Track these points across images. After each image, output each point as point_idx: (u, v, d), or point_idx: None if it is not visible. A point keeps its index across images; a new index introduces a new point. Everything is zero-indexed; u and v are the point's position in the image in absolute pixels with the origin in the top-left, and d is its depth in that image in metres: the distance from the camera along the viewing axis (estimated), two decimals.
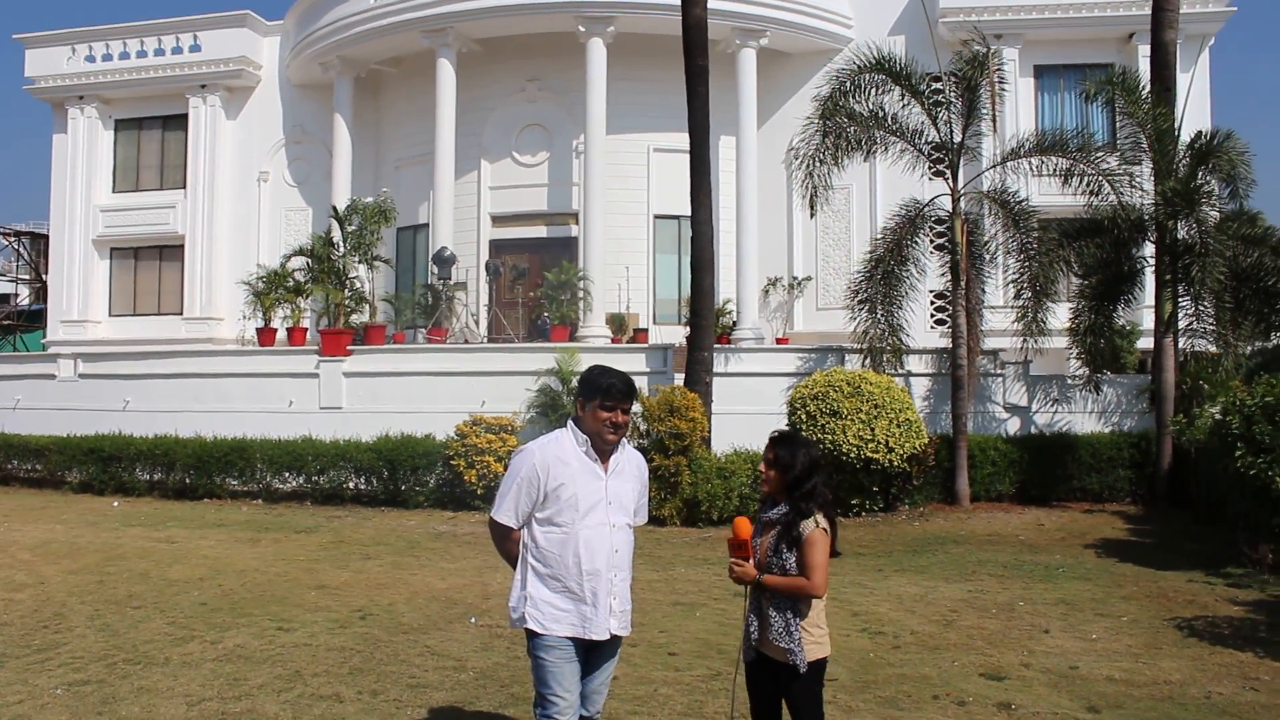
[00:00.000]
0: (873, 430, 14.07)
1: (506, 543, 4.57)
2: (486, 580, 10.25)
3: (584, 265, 20.50)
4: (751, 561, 4.36)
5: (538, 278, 21.13)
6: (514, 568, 4.60)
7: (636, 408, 14.54)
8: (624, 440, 4.60)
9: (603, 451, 4.50)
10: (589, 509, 4.44)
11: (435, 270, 20.71)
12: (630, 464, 4.63)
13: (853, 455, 13.96)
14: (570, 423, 4.53)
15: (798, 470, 4.35)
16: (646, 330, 20.72)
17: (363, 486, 15.87)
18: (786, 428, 4.59)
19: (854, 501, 14.40)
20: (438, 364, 17.69)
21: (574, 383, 15.88)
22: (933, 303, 21.06)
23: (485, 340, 20.47)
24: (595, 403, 4.45)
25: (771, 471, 4.40)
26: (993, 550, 12.08)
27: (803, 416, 14.39)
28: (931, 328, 20.91)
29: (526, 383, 17.15)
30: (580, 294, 20.24)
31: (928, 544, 12.55)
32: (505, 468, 4.79)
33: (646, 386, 16.31)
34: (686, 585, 10.01)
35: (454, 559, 11.40)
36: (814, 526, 4.31)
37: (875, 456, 13.99)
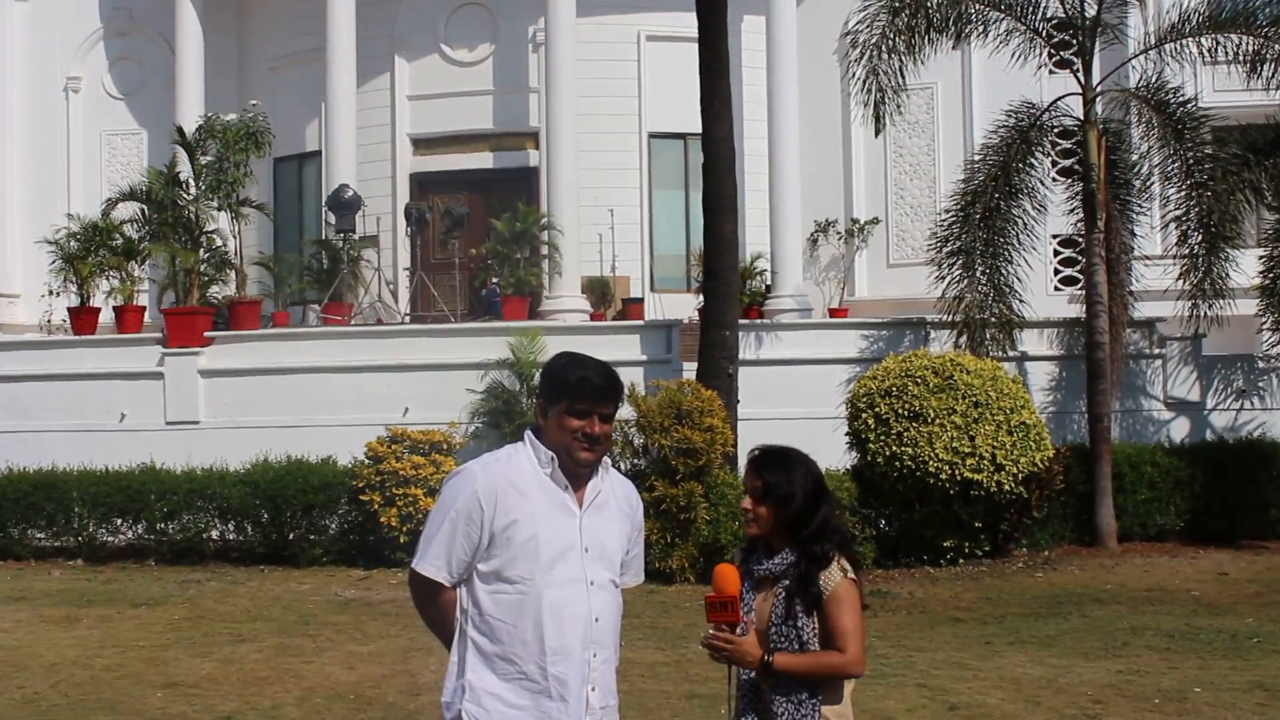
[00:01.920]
0: (972, 440, 14.12)
1: (434, 607, 4.54)
2: (416, 668, 10.26)
3: (549, 208, 20.54)
4: (749, 631, 4.36)
5: (482, 228, 21.20)
6: (446, 645, 4.53)
7: (627, 413, 14.55)
8: (606, 462, 4.57)
9: (576, 476, 4.46)
10: (556, 559, 4.40)
11: (332, 220, 20.76)
12: (617, 495, 4.59)
13: (944, 477, 14.01)
14: (529, 434, 4.49)
15: (799, 501, 4.36)
16: (641, 301, 20.80)
17: (232, 536, 15.93)
18: (771, 445, 4.57)
19: (946, 544, 14.49)
20: (338, 355, 17.73)
21: (537, 378, 15.81)
22: (1057, 254, 21.13)
23: (407, 319, 20.49)
24: (562, 406, 4.40)
25: (761, 507, 4.41)
26: (1153, 612, 12.10)
27: (869, 421, 14.45)
28: (1056, 289, 21.02)
29: (468, 380, 17.16)
30: (544, 250, 20.28)
31: (1057, 604, 12.53)
32: (436, 499, 4.70)
33: (642, 382, 16.33)
34: (707, 670, 9.85)
35: (367, 638, 11.44)
36: (840, 577, 4.32)
37: (977, 478, 14.05)
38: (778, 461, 4.46)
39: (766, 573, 4.43)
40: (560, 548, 4.38)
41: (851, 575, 4.33)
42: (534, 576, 4.35)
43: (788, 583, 4.36)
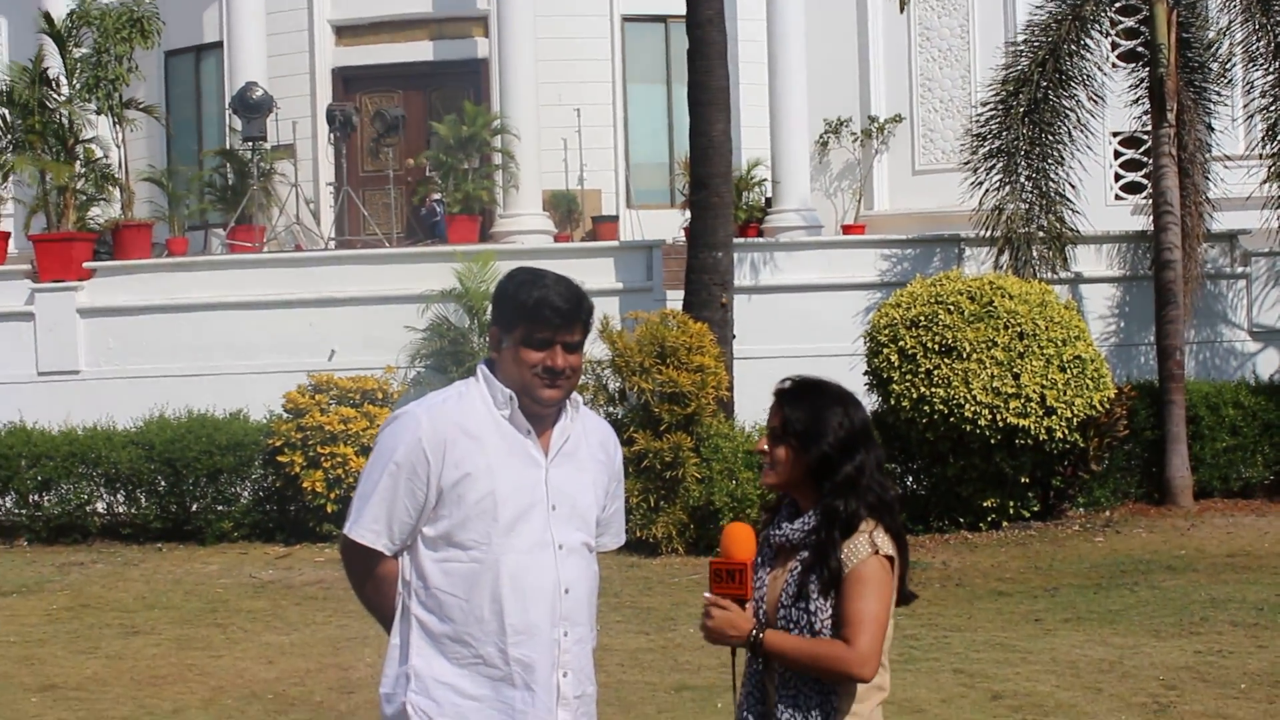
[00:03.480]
0: (1017, 378, 14.16)
1: (372, 581, 4.56)
2: (348, 661, 10.29)
3: (502, 108, 20.56)
4: (749, 606, 4.32)
5: (421, 133, 21.13)
6: (386, 627, 4.54)
7: (600, 350, 14.62)
8: (577, 399, 4.58)
9: (540, 418, 4.48)
10: (517, 518, 4.43)
11: (238, 125, 20.67)
12: (590, 440, 4.62)
13: (983, 424, 14.07)
14: (482, 369, 4.50)
15: (829, 442, 4.28)
16: (615, 219, 20.86)
17: (121, 509, 15.94)
18: (805, 375, 4.49)
19: (986, 503, 14.58)
20: (249, 289, 17.72)
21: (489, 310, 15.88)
22: (1118, 154, 21.14)
23: (332, 245, 20.51)
24: (517, 334, 4.41)
25: (780, 448, 4.34)
26: (1236, 581, 12.16)
27: (892, 358, 14.49)
28: (1117, 198, 21.05)
29: (407, 316, 17.22)
30: (497, 159, 20.25)
31: (1120, 573, 12.64)
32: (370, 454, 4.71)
33: (618, 314, 16.36)
34: (699, 657, 9.97)
35: (288, 627, 11.48)
36: (867, 551, 4.21)
37: (1023, 424, 14.10)
38: (806, 394, 4.40)
39: (784, 539, 4.36)
40: (522, 505, 4.41)
41: (886, 552, 4.22)
42: (491, 540, 4.39)
43: (806, 554, 4.29)
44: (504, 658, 4.39)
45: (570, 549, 4.46)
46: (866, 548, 4.20)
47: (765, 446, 4.37)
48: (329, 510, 14.99)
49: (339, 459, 15.01)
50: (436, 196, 20.11)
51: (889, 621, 4.21)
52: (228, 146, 21.31)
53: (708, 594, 4.37)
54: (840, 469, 4.25)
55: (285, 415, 15.48)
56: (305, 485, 15.09)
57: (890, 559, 4.21)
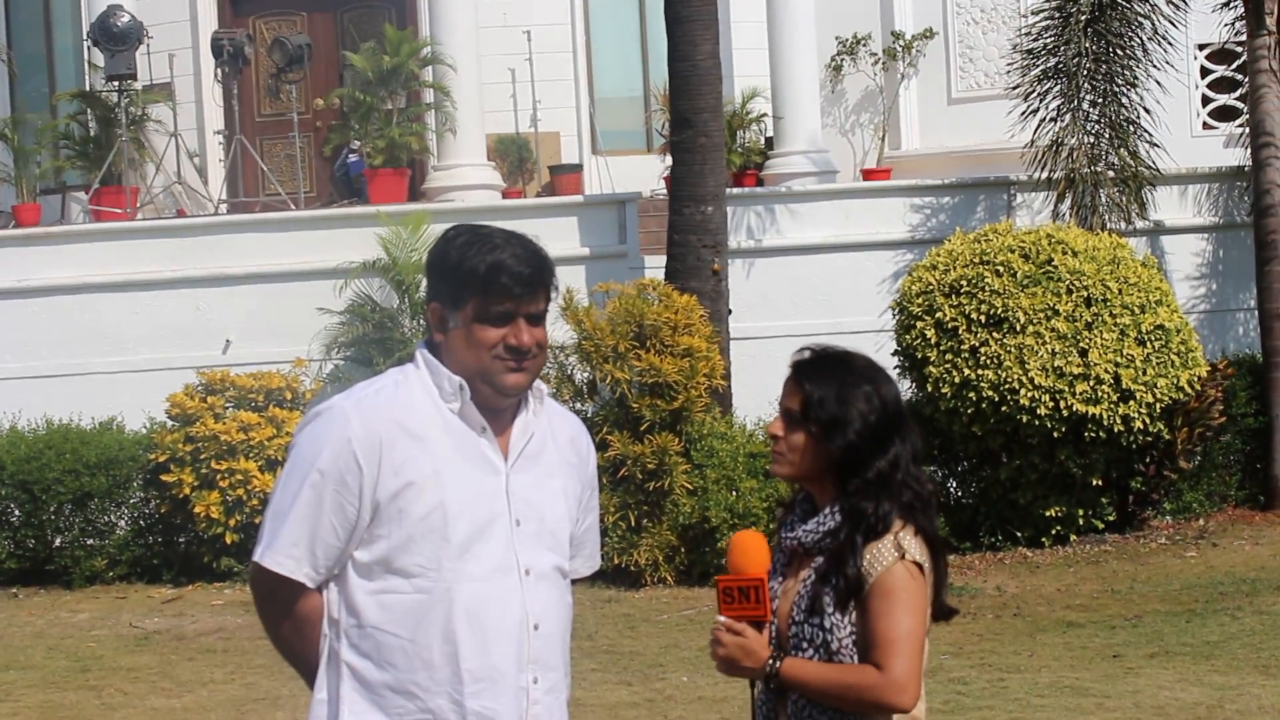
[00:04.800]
0: (1084, 355, 14.19)
1: (290, 622, 4.56)
2: None
3: (432, 33, 20.53)
4: (766, 629, 4.41)
5: (333, 66, 21.20)
6: (309, 681, 4.56)
7: (563, 332, 14.61)
8: (541, 388, 4.62)
9: (497, 411, 4.51)
10: (473, 538, 4.44)
11: (100, 61, 20.56)
12: (558, 439, 4.65)
13: (1043, 412, 14.08)
14: (422, 353, 4.50)
15: (857, 430, 4.38)
16: (578, 168, 20.94)
17: None
18: (827, 346, 4.55)
19: (1049, 512, 14.60)
20: (120, 265, 17.72)
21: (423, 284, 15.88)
22: (1205, 73, 21.15)
23: (224, 208, 20.48)
24: (468, 310, 4.42)
25: (796, 435, 4.42)
26: None
27: (928, 333, 14.53)
28: (1205, 127, 21.07)
29: (320, 295, 17.23)
30: (429, 97, 20.28)
31: (1219, 595, 12.65)
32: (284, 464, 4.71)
33: (585, 286, 16.47)
34: (694, 711, 10.02)
35: (180, 687, 11.46)
36: (892, 557, 4.30)
37: (1093, 412, 14.12)
38: (829, 369, 4.45)
39: (795, 542, 4.44)
40: (479, 521, 4.42)
41: (914, 558, 4.30)
42: (441, 566, 4.40)
43: (821, 559, 4.36)
44: (459, 712, 4.38)
45: (539, 574, 4.47)
46: (891, 553, 4.27)
47: (778, 431, 4.39)
48: (228, 541, 14.93)
49: (239, 477, 14.94)
50: (354, 145, 20.07)
51: (925, 639, 4.27)
52: (88, 88, 21.20)
53: (720, 617, 4.40)
54: (870, 464, 4.32)
55: (170, 423, 15.39)
56: (197, 510, 14.97)
57: (921, 565, 4.29)
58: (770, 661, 4.32)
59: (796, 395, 4.39)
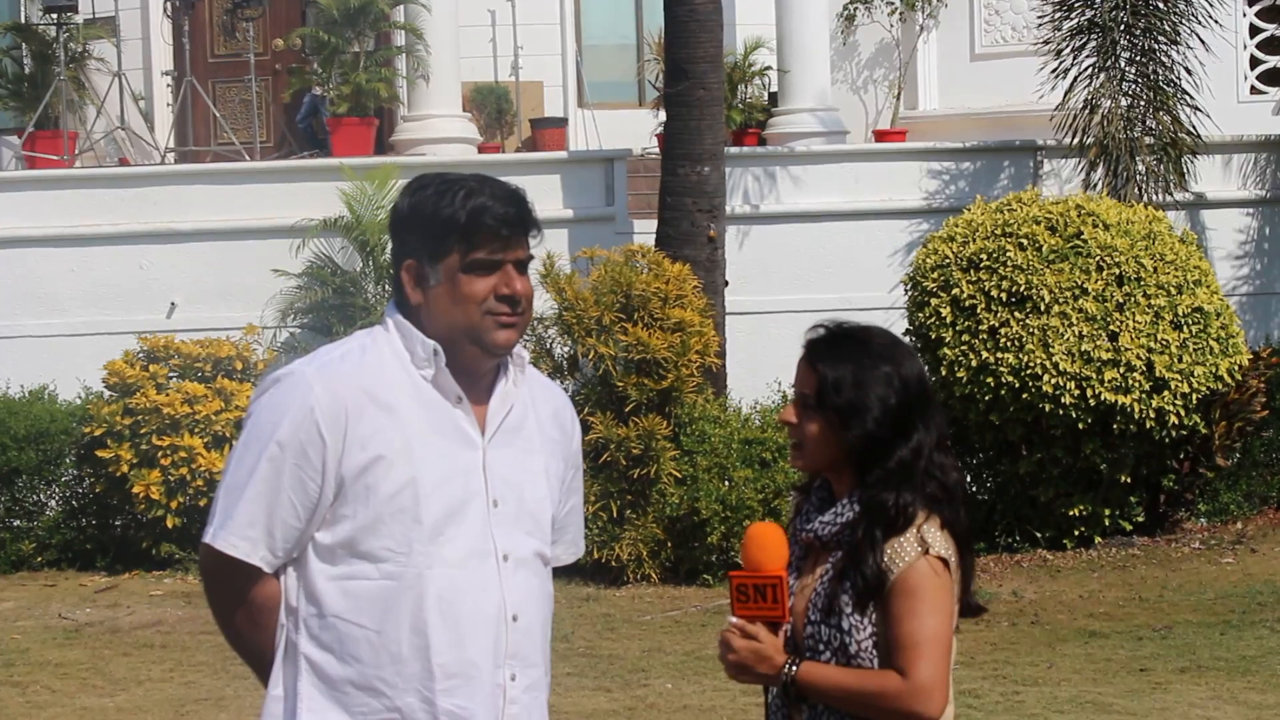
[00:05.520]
0: (1115, 340, 14.19)
1: (244, 609, 4.55)
2: None
3: None
4: (781, 631, 4.43)
5: (292, 2, 21.21)
6: (264, 677, 4.57)
7: (543, 302, 14.48)
8: (521, 355, 4.62)
9: (473, 380, 4.53)
10: (446, 519, 4.44)
11: None
12: (540, 410, 4.66)
13: (1068, 401, 14.09)
14: (392, 317, 4.50)
15: (874, 415, 4.37)
16: (563, 122, 20.92)
17: None
18: (843, 321, 4.48)
19: (1073, 511, 14.59)
20: (54, 218, 17.67)
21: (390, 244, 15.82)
22: (1255, 31, 21.11)
23: (172, 158, 20.44)
24: (451, 261, 4.40)
25: (811, 423, 4.44)
26: None
27: (943, 311, 14.53)
28: (1253, 92, 21.05)
29: (276, 255, 17.18)
30: (399, 38, 20.19)
31: (1257, 605, 12.67)
32: (236, 440, 4.69)
33: (567, 251, 16.41)
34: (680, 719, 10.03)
35: (114, 685, 11.37)
36: (915, 552, 4.30)
37: (1123, 401, 14.12)
38: (845, 348, 4.42)
39: (811, 535, 4.45)
40: (454, 500, 4.41)
41: (939, 552, 4.29)
42: (412, 549, 4.38)
43: (839, 555, 4.38)
44: (430, 711, 4.38)
45: (518, 560, 4.46)
46: (914, 548, 4.27)
47: (792, 417, 4.42)
48: (169, 525, 14.85)
49: (183, 454, 14.84)
50: (316, 91, 19.97)
51: (952, 640, 4.30)
52: (22, 20, 21.04)
53: (733, 617, 4.40)
54: (892, 453, 4.32)
55: (107, 393, 15.31)
56: (136, 490, 14.89)
57: (946, 561, 4.28)
58: (786, 667, 4.31)
59: (810, 379, 4.38)
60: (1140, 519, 14.88)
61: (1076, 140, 16.83)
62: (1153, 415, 14.21)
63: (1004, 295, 14.36)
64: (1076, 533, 14.65)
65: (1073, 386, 14.09)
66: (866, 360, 4.36)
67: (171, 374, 15.35)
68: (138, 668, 11.79)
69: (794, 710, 4.44)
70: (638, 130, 19.85)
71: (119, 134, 20.61)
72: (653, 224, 16.17)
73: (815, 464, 4.46)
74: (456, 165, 18.05)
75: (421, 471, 4.40)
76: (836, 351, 4.39)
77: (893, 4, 21.85)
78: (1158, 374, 14.18)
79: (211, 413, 15.04)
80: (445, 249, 4.38)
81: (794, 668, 4.32)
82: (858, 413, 4.32)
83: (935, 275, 14.71)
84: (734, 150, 17.79)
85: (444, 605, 4.42)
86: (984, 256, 14.53)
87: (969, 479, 15.00)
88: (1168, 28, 16.31)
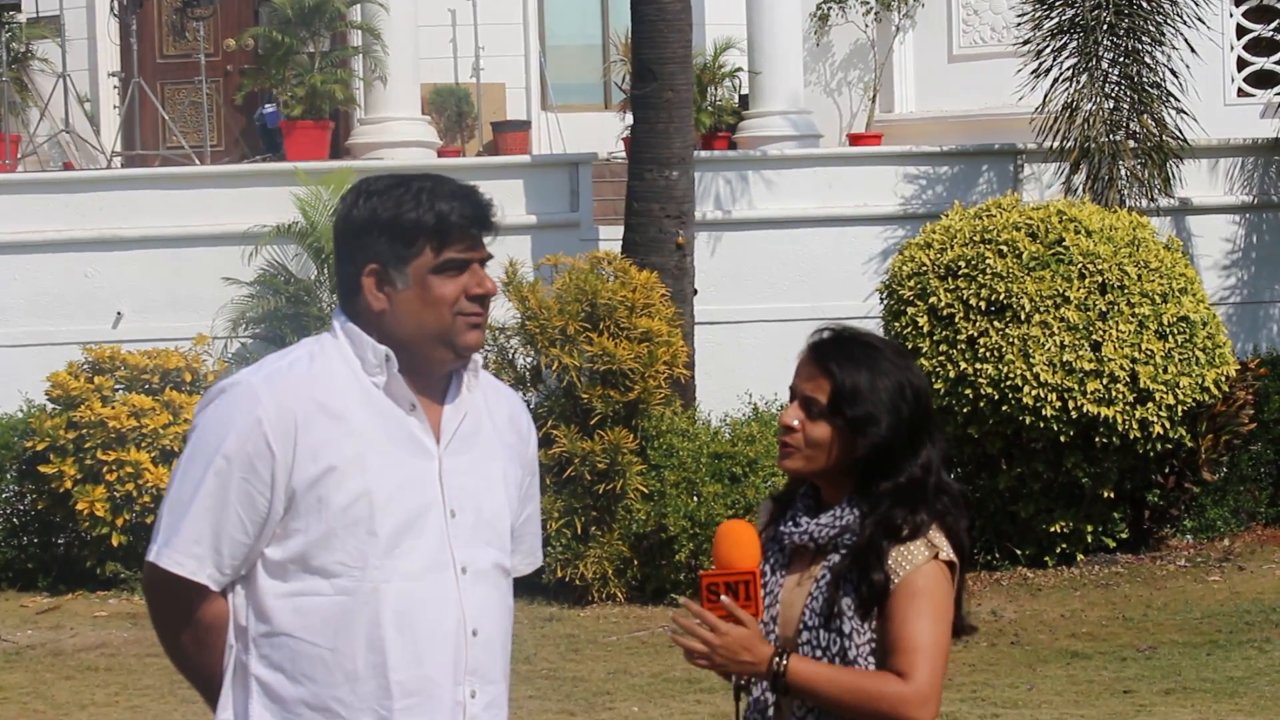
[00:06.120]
0: (1098, 349, 14.24)
1: (190, 629, 4.57)
2: None
3: None
4: (757, 625, 4.44)
5: (245, 1, 21.36)
6: (212, 700, 4.58)
7: (505, 310, 14.66)
8: (476, 359, 4.68)
9: (427, 386, 4.57)
10: (402, 531, 4.46)
11: None
12: (496, 416, 4.68)
13: (1049, 413, 14.13)
14: (341, 323, 4.55)
15: (889, 428, 4.43)
16: (526, 125, 21.06)
17: None
18: (849, 326, 4.60)
19: (1054, 528, 14.66)
20: None
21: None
22: (1241, 32, 21.19)
23: (118, 162, 20.53)
24: (421, 262, 4.46)
25: (819, 426, 4.46)
26: None
27: (921, 320, 14.60)
28: (1240, 94, 21.13)
29: (227, 263, 17.20)
30: (356, 38, 20.36)
31: (1244, 625, 12.76)
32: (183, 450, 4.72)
33: (530, 258, 16.49)
34: None
35: (56, 710, 11.53)
36: (924, 556, 4.39)
37: (1106, 413, 14.17)
38: (857, 354, 4.45)
39: (805, 538, 4.47)
40: (409, 511, 4.45)
41: (948, 557, 4.37)
42: (366, 563, 4.42)
43: (837, 558, 4.39)
44: None
45: (477, 573, 4.50)
46: (923, 551, 4.33)
47: (794, 420, 4.41)
48: (114, 543, 14.94)
49: (129, 469, 14.94)
50: (270, 93, 20.08)
51: (948, 647, 4.36)
52: None
53: (695, 605, 4.41)
54: (904, 467, 4.36)
55: (50, 406, 15.41)
56: (80, 507, 14.98)
57: (949, 564, 4.34)
58: (776, 659, 4.33)
59: (823, 383, 4.41)
60: (1124, 535, 14.98)
61: (1057, 144, 16.93)
62: (1137, 428, 14.30)
63: (983, 304, 14.46)
64: (1058, 550, 14.74)
65: (1054, 398, 14.17)
66: (880, 368, 4.45)
67: (117, 386, 15.46)
68: (81, 692, 11.89)
69: (777, 716, 4.49)
70: (603, 134, 19.99)
71: (64, 137, 20.77)
72: (619, 230, 16.28)
73: (813, 469, 4.48)
74: (416, 169, 18.04)
75: (376, 482, 4.46)
76: (849, 357, 4.48)
77: (868, 4, 22.00)
78: (1142, 385, 14.25)
79: (159, 426, 15.12)
80: (414, 252, 4.45)
81: (784, 659, 4.35)
82: (873, 421, 4.37)
83: (912, 283, 14.82)
84: (704, 154, 17.87)
85: (401, 620, 4.48)
86: (962, 264, 14.63)
87: None
88: (1152, 28, 16.40)
